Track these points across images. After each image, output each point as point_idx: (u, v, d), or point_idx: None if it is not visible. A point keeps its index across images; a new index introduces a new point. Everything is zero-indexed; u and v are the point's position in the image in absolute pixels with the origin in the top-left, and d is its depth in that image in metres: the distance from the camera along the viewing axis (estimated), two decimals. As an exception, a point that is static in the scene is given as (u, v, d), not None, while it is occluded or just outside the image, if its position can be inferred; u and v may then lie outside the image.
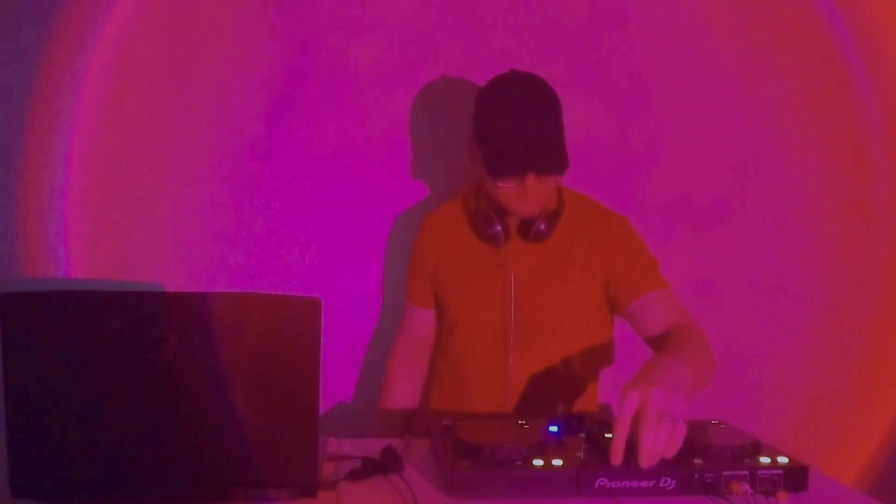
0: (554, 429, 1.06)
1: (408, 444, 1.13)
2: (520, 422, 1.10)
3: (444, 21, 1.67)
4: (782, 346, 1.79)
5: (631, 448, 0.94)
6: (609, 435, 0.95)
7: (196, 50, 1.63)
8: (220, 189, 1.66)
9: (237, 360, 0.90)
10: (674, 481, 0.94)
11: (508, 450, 0.96)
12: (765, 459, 0.96)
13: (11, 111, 1.57)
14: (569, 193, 1.44)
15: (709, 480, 0.94)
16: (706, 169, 1.75)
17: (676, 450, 0.93)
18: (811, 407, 1.80)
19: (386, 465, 1.02)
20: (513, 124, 1.26)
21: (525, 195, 1.28)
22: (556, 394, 1.41)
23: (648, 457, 0.92)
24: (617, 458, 0.94)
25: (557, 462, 0.95)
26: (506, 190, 1.29)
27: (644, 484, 0.94)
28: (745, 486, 0.92)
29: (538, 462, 0.95)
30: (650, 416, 0.92)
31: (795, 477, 0.95)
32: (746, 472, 0.94)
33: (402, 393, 1.54)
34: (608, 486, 0.94)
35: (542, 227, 1.34)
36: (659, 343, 1.25)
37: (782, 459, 0.96)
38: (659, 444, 0.92)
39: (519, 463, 0.95)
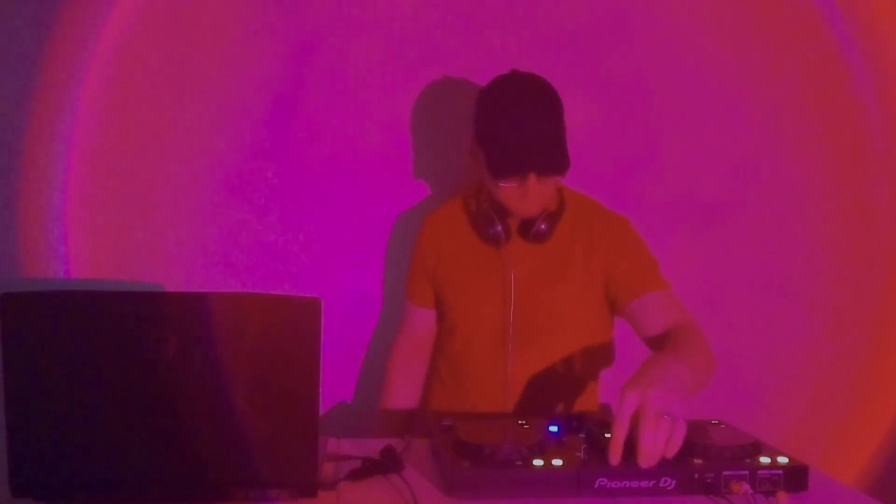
0: (554, 429, 1.06)
1: (408, 444, 1.13)
2: (520, 422, 1.10)
3: (444, 21, 1.67)
4: (782, 346, 1.79)
5: (631, 448, 0.94)
6: (609, 435, 0.95)
7: (196, 50, 1.63)
8: (220, 189, 1.66)
9: (237, 360, 0.90)
10: (674, 481, 0.94)
11: (508, 450, 0.96)
12: (765, 459, 0.96)
13: (11, 111, 1.57)
14: (569, 193, 1.44)
15: (709, 480, 0.94)
16: (706, 169, 1.75)
17: (677, 449, 0.93)
18: (811, 407, 1.80)
19: (386, 465, 1.02)
20: (514, 124, 1.26)
21: (526, 195, 1.28)
22: (556, 394, 1.41)
23: (648, 457, 0.92)
24: (615, 457, 0.94)
25: (557, 462, 0.95)
26: (507, 190, 1.29)
27: (644, 484, 0.94)
28: (745, 486, 0.92)
29: (538, 462, 0.95)
30: (649, 415, 0.92)
31: (795, 477, 0.95)
32: (746, 472, 0.94)
33: (402, 393, 1.54)
34: (608, 486, 0.94)
35: (543, 227, 1.34)
36: (659, 343, 1.25)
37: (782, 459, 0.96)
38: (658, 443, 0.92)
39: (519, 463, 0.95)
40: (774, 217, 1.77)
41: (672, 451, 0.93)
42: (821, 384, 1.81)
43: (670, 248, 1.71)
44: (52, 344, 0.89)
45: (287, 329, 0.91)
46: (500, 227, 1.35)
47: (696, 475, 0.94)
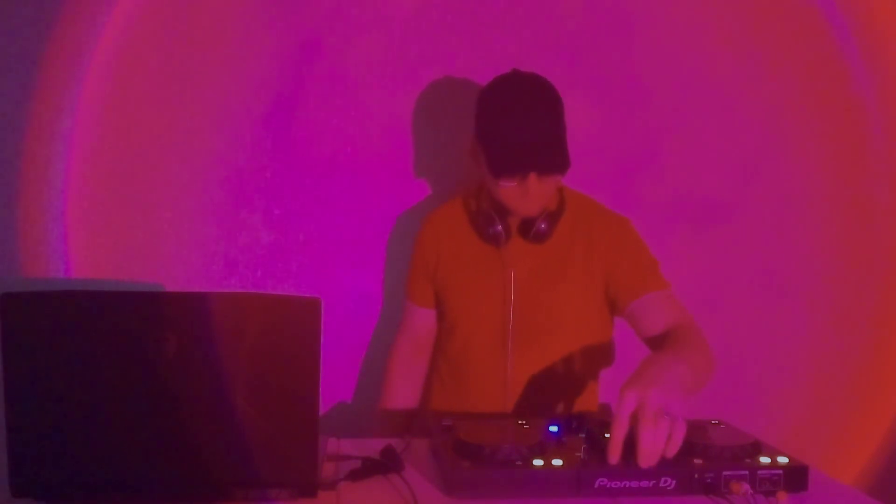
0: (554, 429, 1.06)
1: (408, 444, 1.13)
2: (520, 422, 1.10)
3: (444, 21, 1.66)
4: (782, 346, 1.79)
5: (631, 448, 0.94)
6: (609, 435, 0.95)
7: (196, 50, 1.63)
8: (220, 189, 1.66)
9: (237, 360, 0.90)
10: (674, 481, 0.94)
11: (508, 450, 0.96)
12: (765, 459, 0.96)
13: (11, 111, 1.57)
14: (569, 193, 1.44)
15: (709, 480, 0.94)
16: (706, 168, 1.75)
17: (677, 448, 0.93)
18: (811, 407, 1.80)
19: (386, 465, 1.02)
20: (515, 124, 1.26)
21: (526, 194, 1.28)
22: (556, 394, 1.41)
23: (648, 457, 0.92)
24: (614, 456, 0.94)
25: (557, 462, 0.95)
26: (507, 189, 1.29)
27: (644, 484, 0.94)
28: (745, 486, 0.92)
29: (538, 462, 0.95)
30: (648, 415, 0.92)
31: (795, 477, 0.95)
32: (746, 472, 0.94)
33: (403, 393, 1.54)
34: (608, 486, 0.94)
35: (543, 226, 1.34)
36: (658, 343, 1.25)
37: (782, 459, 0.96)
38: (658, 443, 0.92)
39: (519, 463, 0.95)
40: (774, 217, 1.77)
41: (672, 451, 0.93)
42: (821, 384, 1.81)
43: (670, 248, 1.71)
44: (52, 344, 0.89)
45: (287, 329, 0.91)
46: (500, 227, 1.35)
47: (696, 475, 0.94)
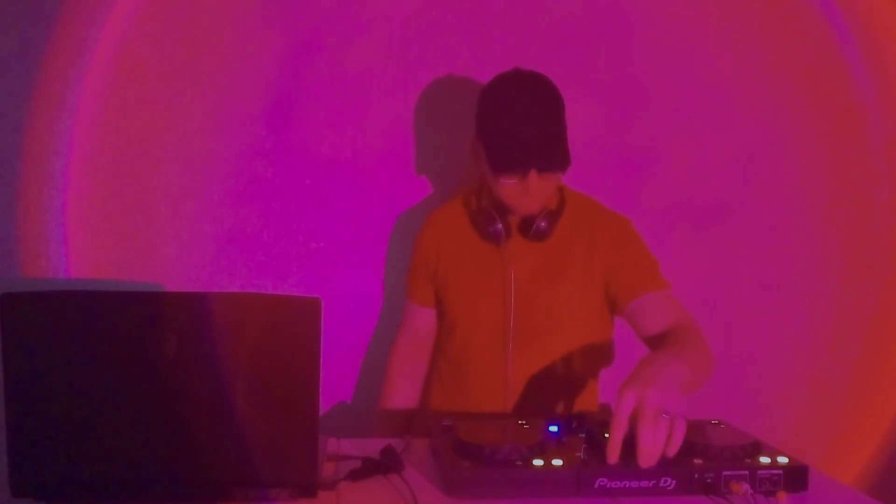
0: (554, 429, 1.06)
1: (408, 444, 1.13)
2: (520, 422, 1.10)
3: (444, 20, 1.67)
4: (782, 346, 1.79)
5: (631, 448, 0.94)
6: (608, 435, 0.95)
7: (196, 50, 1.63)
8: (221, 189, 1.66)
9: (237, 360, 0.90)
10: (674, 481, 0.94)
11: (508, 450, 0.96)
12: (765, 459, 0.96)
13: (11, 111, 1.57)
14: (570, 193, 1.44)
15: (709, 480, 0.94)
16: (706, 169, 1.75)
17: (678, 447, 0.93)
18: (811, 407, 1.80)
19: (386, 465, 1.02)
20: (516, 121, 1.26)
21: (527, 192, 1.28)
22: (556, 394, 1.41)
23: (648, 457, 0.92)
24: (613, 456, 0.94)
25: (557, 462, 0.95)
26: (508, 186, 1.30)
27: (644, 484, 0.94)
28: (745, 486, 0.92)
29: (538, 462, 0.95)
30: (648, 415, 0.92)
31: (795, 477, 0.95)
32: (746, 472, 0.94)
33: (403, 392, 1.54)
34: (608, 486, 0.94)
35: (543, 225, 1.34)
36: (658, 343, 1.25)
37: (782, 459, 0.96)
38: (658, 443, 0.92)
39: (519, 463, 0.95)
40: (774, 217, 1.77)
41: (673, 450, 0.93)
42: (821, 384, 1.81)
43: (670, 249, 1.71)
44: (52, 344, 0.89)
45: (287, 329, 0.91)
46: (500, 225, 1.35)
47: (696, 475, 0.94)
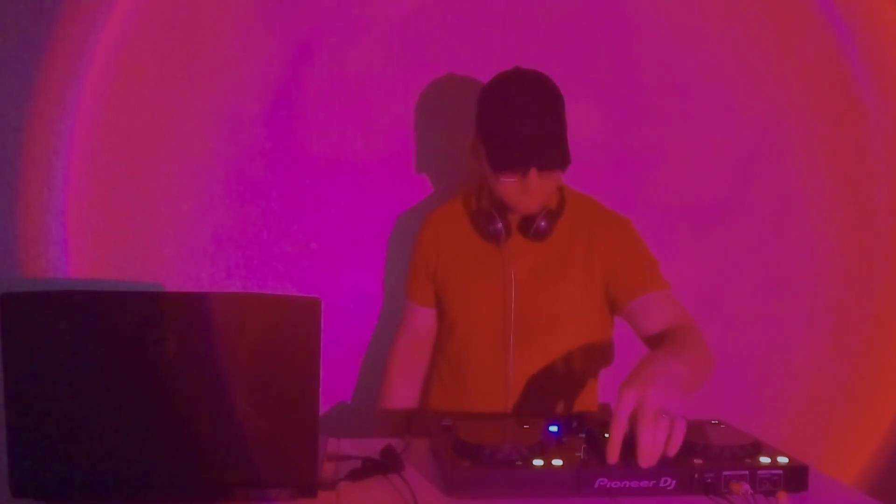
0: (554, 429, 1.06)
1: (408, 444, 1.13)
2: (520, 422, 1.09)
3: (444, 20, 1.67)
4: (782, 346, 1.79)
5: (631, 448, 0.94)
6: (608, 435, 0.95)
7: (196, 50, 1.63)
8: (221, 189, 1.66)
9: (237, 360, 0.90)
10: (674, 481, 0.94)
11: (508, 450, 0.96)
12: (765, 459, 0.96)
13: (11, 111, 1.57)
14: (570, 193, 1.44)
15: (709, 480, 0.94)
16: (706, 169, 1.75)
17: (678, 447, 0.93)
18: (811, 407, 1.80)
19: (386, 465, 1.02)
20: (516, 119, 1.26)
21: (527, 190, 1.29)
22: (556, 394, 1.41)
23: (648, 457, 0.92)
24: (613, 456, 0.94)
25: (557, 462, 0.95)
26: (507, 185, 1.30)
27: (644, 484, 0.94)
28: (745, 486, 0.92)
29: (538, 462, 0.95)
30: (647, 415, 0.92)
31: (795, 477, 0.95)
32: (746, 472, 0.94)
33: (403, 392, 1.54)
34: (608, 486, 0.94)
35: (543, 224, 1.34)
36: (657, 343, 1.25)
37: (782, 459, 0.96)
38: (658, 443, 0.92)
39: (519, 463, 0.95)
40: (774, 217, 1.77)
41: (674, 450, 0.93)
42: (821, 384, 1.81)
43: (670, 249, 1.71)
44: (52, 344, 0.89)
45: (287, 329, 0.91)
46: (500, 224, 1.35)
47: (696, 475, 0.94)
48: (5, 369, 0.88)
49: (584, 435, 1.06)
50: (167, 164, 1.64)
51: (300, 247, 1.69)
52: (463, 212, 1.47)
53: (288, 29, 1.64)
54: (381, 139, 1.68)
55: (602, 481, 0.94)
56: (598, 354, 1.43)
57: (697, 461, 0.95)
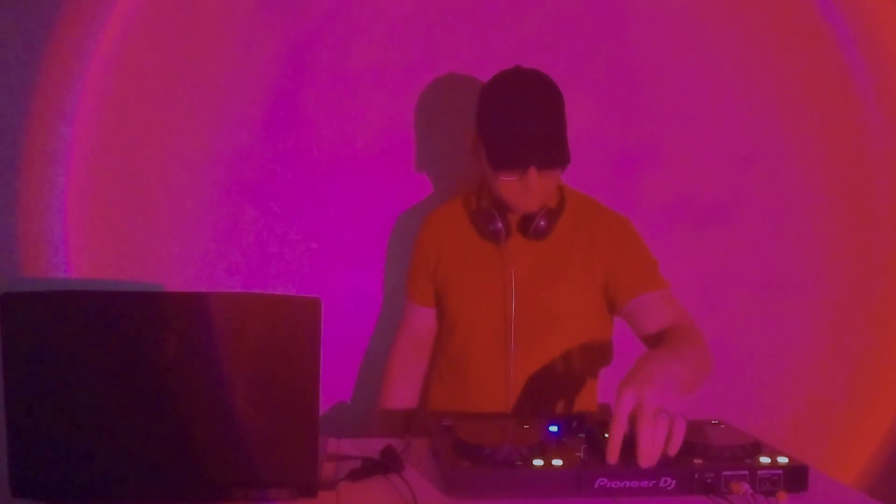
0: (554, 429, 1.06)
1: (408, 444, 1.13)
2: (520, 422, 1.09)
3: (444, 20, 1.67)
4: (782, 346, 1.79)
5: (631, 448, 0.94)
6: (608, 435, 0.95)
7: (196, 50, 1.63)
8: (220, 189, 1.66)
9: (237, 360, 0.90)
10: (674, 481, 0.94)
11: (508, 450, 0.96)
12: (765, 459, 0.96)
13: (12, 110, 1.57)
14: (570, 192, 1.44)
15: (709, 480, 0.94)
16: (706, 169, 1.75)
17: (678, 446, 0.93)
18: (811, 407, 1.80)
19: (386, 465, 1.02)
20: (516, 117, 1.26)
21: (527, 189, 1.29)
22: (556, 393, 1.41)
23: (647, 456, 0.92)
24: (612, 456, 0.94)
25: (557, 462, 0.95)
26: (507, 184, 1.30)
27: (644, 484, 0.94)
28: (745, 486, 0.92)
29: (538, 462, 0.95)
30: (647, 415, 0.92)
31: (795, 477, 0.95)
32: (746, 472, 0.94)
33: (403, 392, 1.54)
34: (608, 486, 0.94)
35: (543, 223, 1.34)
36: (656, 342, 1.25)
37: (782, 459, 0.96)
38: (658, 442, 0.92)
39: (519, 463, 0.95)
40: (774, 217, 1.77)
41: (674, 449, 0.93)
42: (821, 384, 1.81)
43: (670, 248, 1.71)
44: (52, 344, 0.89)
45: (287, 329, 0.91)
46: (500, 224, 1.36)
47: (696, 475, 0.94)
48: (5, 369, 0.88)
49: (583, 435, 1.06)
50: (167, 165, 1.64)
51: (300, 247, 1.69)
52: (463, 211, 1.47)
53: (288, 29, 1.64)
54: (381, 139, 1.68)
55: (602, 481, 0.94)
56: (598, 354, 1.43)
57: (697, 461, 0.95)
